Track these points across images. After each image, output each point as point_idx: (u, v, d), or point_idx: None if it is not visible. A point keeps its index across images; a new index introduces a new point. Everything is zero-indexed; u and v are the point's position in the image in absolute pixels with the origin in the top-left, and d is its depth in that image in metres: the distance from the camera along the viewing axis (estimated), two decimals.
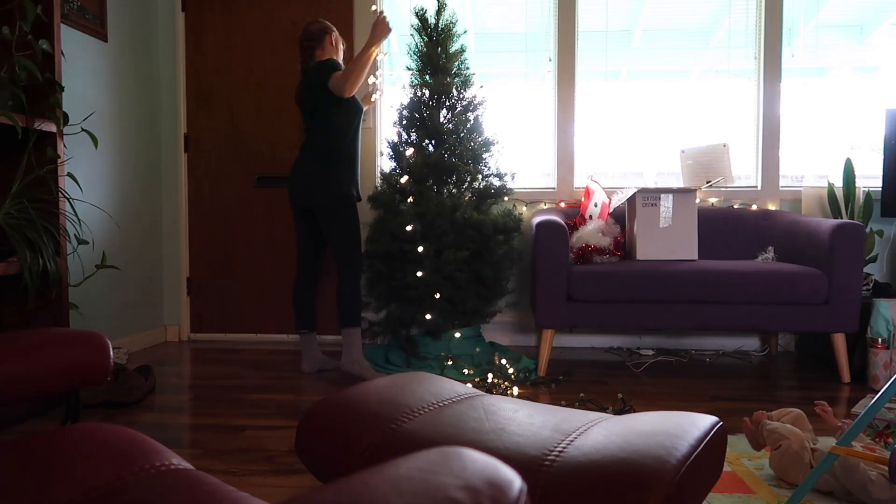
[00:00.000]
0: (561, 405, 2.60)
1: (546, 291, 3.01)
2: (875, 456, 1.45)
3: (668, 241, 3.17)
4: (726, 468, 1.98)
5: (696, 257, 3.16)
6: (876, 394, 2.80)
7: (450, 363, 3.17)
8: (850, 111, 3.78)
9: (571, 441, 1.00)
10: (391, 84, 3.93)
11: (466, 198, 3.31)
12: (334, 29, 3.14)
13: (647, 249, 3.17)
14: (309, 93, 3.01)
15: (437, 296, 3.22)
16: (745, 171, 3.82)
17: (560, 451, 0.97)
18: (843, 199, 3.47)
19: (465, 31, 3.57)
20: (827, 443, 1.94)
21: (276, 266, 3.95)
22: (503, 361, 3.20)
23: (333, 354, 3.57)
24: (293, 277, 3.91)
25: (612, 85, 3.87)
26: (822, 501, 1.74)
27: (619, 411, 2.53)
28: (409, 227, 3.19)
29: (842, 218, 3.46)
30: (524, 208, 3.81)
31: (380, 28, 2.96)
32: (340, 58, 3.18)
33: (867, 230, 3.46)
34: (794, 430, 1.88)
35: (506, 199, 3.44)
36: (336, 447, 1.11)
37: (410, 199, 3.28)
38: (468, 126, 3.38)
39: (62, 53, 2.58)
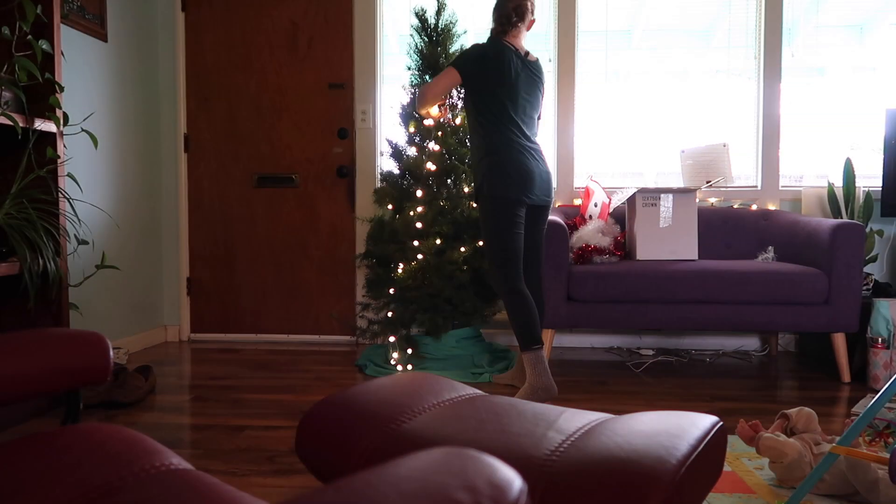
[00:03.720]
0: None
1: (546, 291, 3.01)
2: (875, 456, 1.45)
3: (668, 241, 3.17)
4: (726, 468, 1.98)
5: (696, 257, 3.16)
6: (876, 394, 2.80)
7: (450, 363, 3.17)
8: (850, 111, 3.78)
9: (572, 441, 1.00)
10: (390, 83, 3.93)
11: (466, 191, 3.31)
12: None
13: (647, 249, 3.17)
14: (542, 87, 2.85)
15: (437, 296, 3.22)
16: (745, 171, 3.82)
17: (560, 451, 0.97)
18: (843, 199, 3.47)
19: (465, 32, 3.58)
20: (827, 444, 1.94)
21: (276, 266, 3.95)
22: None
23: (337, 354, 3.57)
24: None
25: (612, 85, 3.87)
26: (822, 502, 1.74)
27: None
28: (419, 225, 3.19)
29: (842, 218, 3.46)
30: None
31: None
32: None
33: (867, 230, 3.46)
34: (791, 442, 1.85)
35: None
36: (336, 447, 1.11)
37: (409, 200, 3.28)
38: (468, 126, 3.37)
39: (62, 53, 2.57)
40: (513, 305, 2.68)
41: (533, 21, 2.80)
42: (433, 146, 3.33)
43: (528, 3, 2.75)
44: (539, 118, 2.87)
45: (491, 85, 2.69)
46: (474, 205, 3.32)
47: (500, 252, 2.69)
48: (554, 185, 3.83)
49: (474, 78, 2.70)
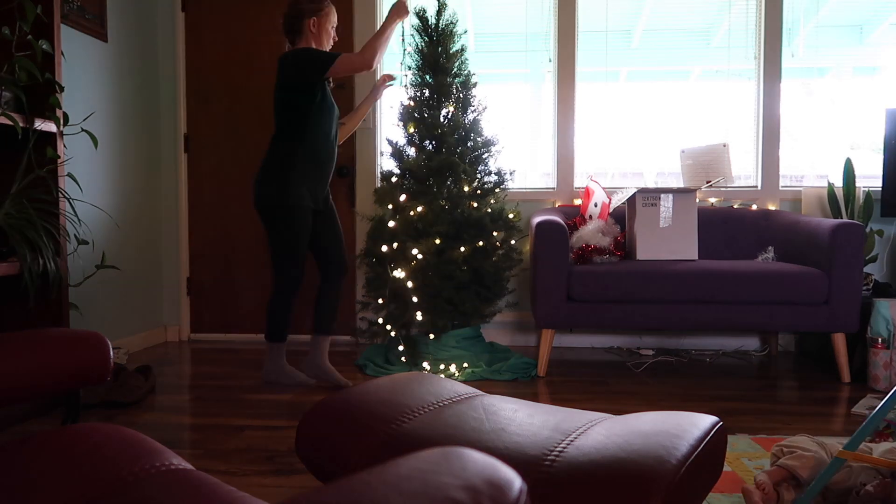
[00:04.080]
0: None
1: (546, 291, 3.01)
2: (887, 461, 1.45)
3: (668, 241, 3.17)
4: (726, 468, 1.98)
5: (696, 257, 3.16)
6: (876, 393, 2.80)
7: (449, 363, 3.17)
8: (850, 111, 3.78)
9: (571, 441, 1.00)
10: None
11: (466, 190, 3.31)
12: (318, 10, 2.82)
13: (647, 249, 3.17)
14: (277, 85, 2.81)
15: (437, 296, 3.22)
16: (745, 171, 3.82)
17: (560, 451, 0.97)
18: (843, 199, 3.47)
19: (466, 31, 3.57)
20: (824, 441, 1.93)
21: None
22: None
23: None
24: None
25: (612, 85, 3.87)
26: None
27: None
28: (418, 226, 3.19)
29: (842, 218, 3.46)
30: (518, 207, 3.81)
31: (397, 9, 2.86)
32: (329, 38, 2.89)
33: (867, 230, 3.46)
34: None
35: (498, 190, 3.43)
36: (336, 447, 1.11)
37: (408, 199, 3.27)
38: (468, 126, 3.38)
39: (62, 53, 2.57)
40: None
41: (324, 10, 2.83)
42: (432, 146, 3.33)
43: (297, 8, 2.81)
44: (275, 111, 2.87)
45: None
46: (475, 204, 3.33)
47: None
48: (553, 185, 3.83)
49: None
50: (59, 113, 2.47)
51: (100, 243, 3.34)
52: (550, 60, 3.85)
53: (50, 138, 2.49)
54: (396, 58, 3.95)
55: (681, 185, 3.68)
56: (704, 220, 3.54)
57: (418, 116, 3.37)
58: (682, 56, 3.86)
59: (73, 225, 2.95)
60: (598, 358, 3.54)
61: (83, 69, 3.23)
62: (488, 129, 3.45)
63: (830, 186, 3.47)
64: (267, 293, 3.95)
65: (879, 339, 2.89)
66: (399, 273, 3.23)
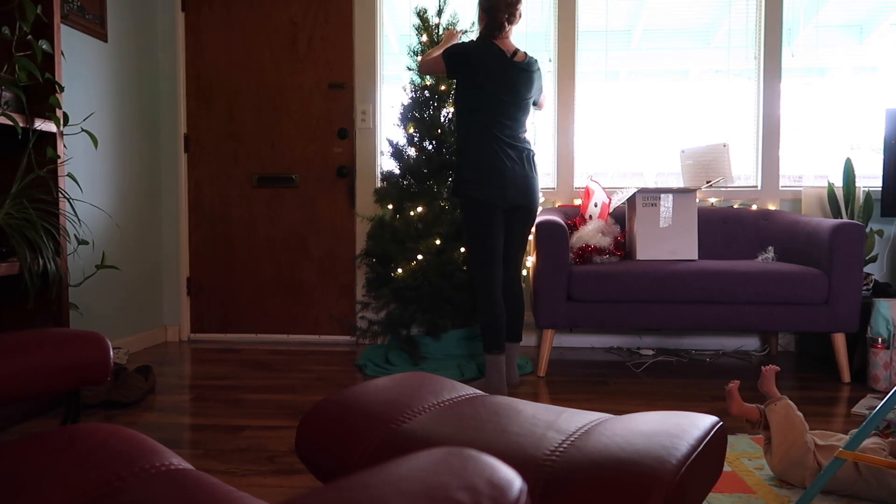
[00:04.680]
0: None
1: (546, 291, 3.01)
2: (886, 461, 1.45)
3: (668, 241, 3.17)
4: (726, 468, 1.98)
5: (696, 257, 3.16)
6: (876, 393, 2.80)
7: (449, 363, 3.17)
8: (850, 111, 3.78)
9: (572, 441, 1.00)
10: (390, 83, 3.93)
11: None
12: None
13: (647, 249, 3.17)
14: (536, 78, 2.84)
15: (437, 296, 3.22)
16: (745, 171, 3.82)
17: (560, 451, 0.97)
18: (843, 199, 3.47)
19: (466, 31, 3.57)
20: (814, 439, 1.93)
21: (276, 266, 3.94)
22: None
23: (328, 354, 3.57)
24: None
25: (612, 85, 3.87)
26: (825, 501, 1.74)
27: None
28: (419, 226, 3.19)
29: (842, 218, 3.46)
30: None
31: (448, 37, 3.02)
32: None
33: (867, 230, 3.46)
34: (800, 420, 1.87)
35: None
36: (336, 447, 1.11)
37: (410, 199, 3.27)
38: None
39: (62, 53, 2.58)
40: (480, 308, 2.78)
41: (520, 17, 2.83)
42: (433, 146, 3.33)
43: (520, 7, 2.79)
44: (539, 107, 2.99)
45: (472, 84, 2.74)
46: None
47: (474, 254, 2.77)
48: (553, 185, 3.83)
49: (457, 74, 2.79)
50: (59, 113, 2.47)
51: (100, 243, 3.34)
52: (550, 60, 3.85)
53: (50, 138, 2.49)
54: (398, 58, 3.95)
55: (681, 185, 3.68)
56: (704, 220, 3.54)
57: (419, 116, 3.37)
58: (682, 56, 3.86)
59: (73, 225, 2.95)
60: (598, 358, 3.54)
61: (83, 69, 3.23)
62: None
63: (830, 186, 3.47)
64: (266, 293, 3.95)
65: (879, 339, 2.89)
66: (399, 273, 3.23)
